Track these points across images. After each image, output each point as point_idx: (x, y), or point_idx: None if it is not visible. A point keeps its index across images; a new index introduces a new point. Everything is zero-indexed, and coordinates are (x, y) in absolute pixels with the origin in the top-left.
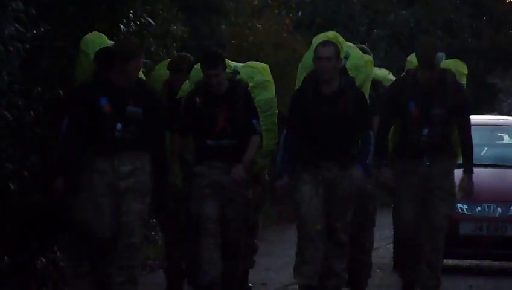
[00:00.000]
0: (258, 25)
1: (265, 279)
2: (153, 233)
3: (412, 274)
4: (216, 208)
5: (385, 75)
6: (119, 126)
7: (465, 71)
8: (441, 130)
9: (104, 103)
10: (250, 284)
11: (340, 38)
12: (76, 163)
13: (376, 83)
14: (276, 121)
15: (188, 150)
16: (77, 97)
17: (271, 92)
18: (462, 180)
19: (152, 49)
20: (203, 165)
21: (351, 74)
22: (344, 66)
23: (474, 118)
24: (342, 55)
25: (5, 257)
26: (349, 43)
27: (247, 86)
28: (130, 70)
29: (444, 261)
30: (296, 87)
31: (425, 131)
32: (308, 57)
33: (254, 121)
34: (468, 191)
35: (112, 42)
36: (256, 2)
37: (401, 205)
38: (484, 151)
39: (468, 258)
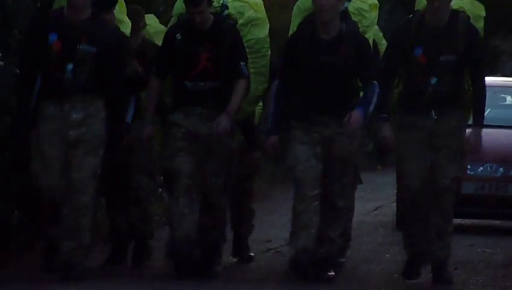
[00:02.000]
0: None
1: (270, 236)
2: (160, 190)
3: (416, 246)
4: (190, 164)
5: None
6: (69, 67)
7: (483, 13)
8: (451, 79)
9: (53, 39)
10: (251, 254)
11: None
12: (25, 108)
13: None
14: (268, 64)
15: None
16: (27, 32)
17: (263, 30)
18: (470, 134)
19: (161, 9)
20: (179, 111)
21: (353, 18)
22: (346, 9)
23: None
24: None
25: (15, 212)
26: None
27: (236, 22)
28: None
29: None
30: (290, 32)
31: (434, 80)
32: (300, 3)
33: (241, 63)
34: (476, 146)
35: None
36: None
37: (404, 160)
38: (487, 112)
39: (470, 218)
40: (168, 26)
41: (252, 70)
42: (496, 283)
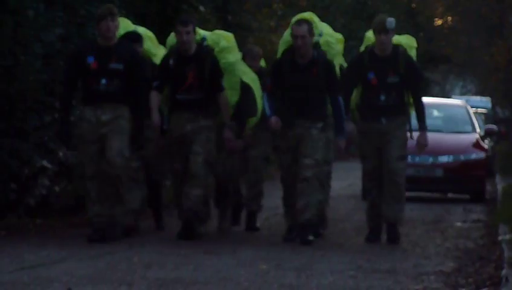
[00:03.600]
0: (274, 39)
1: (277, 204)
2: None
3: (376, 217)
4: (182, 162)
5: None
6: (103, 81)
7: (415, 44)
8: (396, 95)
9: (91, 60)
10: (257, 225)
11: (316, 18)
12: (68, 114)
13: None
14: (239, 81)
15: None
16: (69, 58)
17: (234, 56)
18: (419, 136)
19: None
20: (173, 116)
21: (323, 48)
22: (317, 42)
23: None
24: (316, 32)
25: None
26: (324, 23)
27: (213, 49)
28: (99, 29)
29: None
30: (278, 56)
31: (383, 97)
32: (288, 34)
33: (220, 79)
34: (423, 144)
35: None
36: (272, 23)
37: (365, 155)
38: None
39: (411, 191)
40: (164, 55)
41: (226, 86)
42: (428, 234)
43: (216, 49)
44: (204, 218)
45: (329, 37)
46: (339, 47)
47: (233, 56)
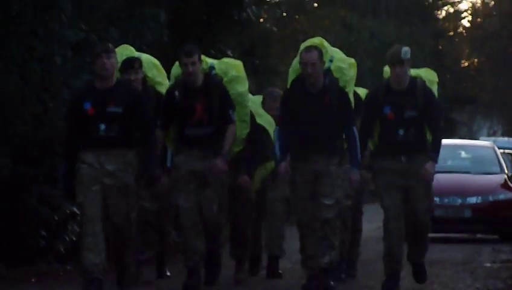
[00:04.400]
0: None
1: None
2: None
3: (398, 264)
4: (190, 200)
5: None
6: (102, 126)
7: (436, 78)
8: (415, 130)
9: (88, 106)
10: (280, 271)
11: (326, 43)
12: (72, 165)
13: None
14: (249, 113)
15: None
16: (70, 103)
17: (243, 86)
18: (427, 165)
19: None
20: (181, 154)
21: (335, 75)
22: (329, 68)
23: (443, 141)
24: (326, 58)
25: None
26: (335, 48)
27: (222, 79)
28: (95, 67)
29: None
30: (288, 86)
31: (401, 132)
32: (296, 62)
33: (230, 111)
34: (429, 175)
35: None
36: None
37: (383, 197)
38: (449, 162)
39: (440, 232)
40: (168, 87)
41: (236, 118)
42: (458, 275)
43: (225, 79)
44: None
45: (341, 62)
46: (352, 73)
47: (242, 86)
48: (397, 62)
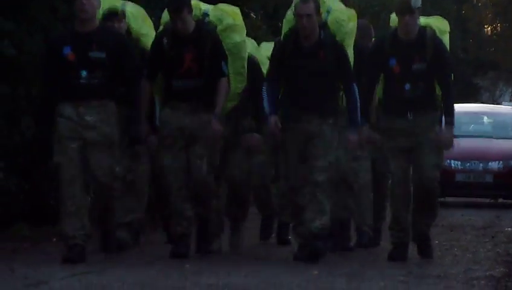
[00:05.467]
0: None
1: None
2: None
3: (405, 233)
4: (178, 159)
5: (439, 25)
6: (84, 73)
7: (447, 28)
8: (423, 85)
9: (68, 51)
10: (289, 237)
11: None
12: (47, 112)
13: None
14: (246, 65)
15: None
16: (46, 49)
17: (240, 35)
18: (444, 131)
19: None
20: (167, 107)
21: (332, 27)
22: (325, 21)
23: (465, 106)
24: (323, 9)
25: None
26: None
27: (215, 28)
28: (75, 8)
29: (445, 199)
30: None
31: (408, 86)
32: (291, 13)
33: (222, 63)
34: (448, 142)
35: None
36: None
37: (389, 158)
38: (471, 127)
39: (461, 197)
40: (156, 34)
41: (230, 71)
42: (478, 239)
43: (219, 27)
44: (218, 232)
45: (339, 13)
46: (351, 25)
47: (239, 36)
48: (407, 11)
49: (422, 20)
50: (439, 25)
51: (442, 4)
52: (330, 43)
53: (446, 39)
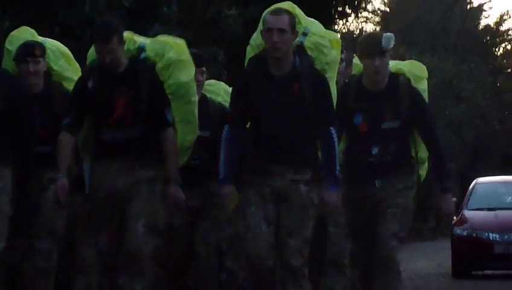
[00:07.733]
0: None
1: None
2: None
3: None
4: (112, 236)
5: (415, 71)
6: None
7: (425, 74)
8: (396, 147)
9: None
10: None
11: (298, 10)
12: None
13: None
14: (196, 111)
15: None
16: None
17: (187, 73)
18: (441, 202)
19: None
20: (98, 168)
21: (311, 54)
22: (301, 43)
23: (502, 178)
24: (299, 31)
25: None
26: (311, 19)
27: (154, 64)
28: None
29: (484, 271)
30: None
31: (376, 150)
32: (258, 34)
33: (166, 109)
34: (449, 214)
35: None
36: None
37: (352, 234)
38: (509, 199)
39: (501, 269)
40: (80, 75)
41: (177, 118)
42: None
43: (159, 65)
44: None
45: (319, 38)
46: (334, 53)
47: (186, 74)
48: (376, 53)
49: (393, 64)
50: (414, 70)
51: (477, 76)
52: (307, 72)
53: (424, 86)
